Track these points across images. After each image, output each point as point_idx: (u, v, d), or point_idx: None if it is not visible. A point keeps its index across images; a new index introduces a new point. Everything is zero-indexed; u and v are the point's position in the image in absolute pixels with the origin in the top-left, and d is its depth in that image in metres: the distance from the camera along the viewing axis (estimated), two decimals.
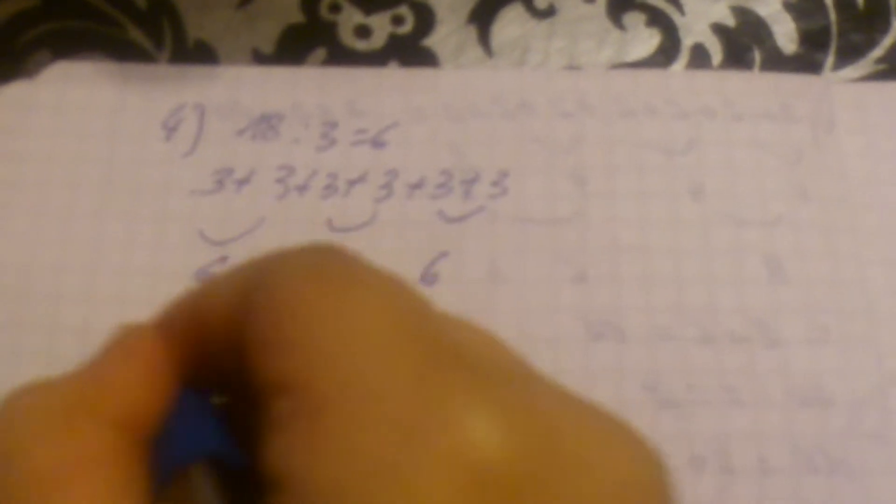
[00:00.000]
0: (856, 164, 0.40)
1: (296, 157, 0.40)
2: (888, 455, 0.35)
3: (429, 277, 0.38)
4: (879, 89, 0.42)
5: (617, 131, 0.40)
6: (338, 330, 0.17)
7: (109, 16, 0.43)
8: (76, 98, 0.41)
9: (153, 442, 0.19)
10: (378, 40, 0.43)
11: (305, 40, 0.43)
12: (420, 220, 0.39)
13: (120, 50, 0.42)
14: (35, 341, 0.37)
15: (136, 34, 0.43)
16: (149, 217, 0.39)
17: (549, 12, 0.44)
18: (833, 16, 0.44)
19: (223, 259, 0.38)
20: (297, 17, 0.43)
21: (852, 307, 0.38)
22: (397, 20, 0.43)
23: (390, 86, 0.41)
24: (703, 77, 0.42)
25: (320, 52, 0.43)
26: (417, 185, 0.39)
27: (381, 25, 0.43)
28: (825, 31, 0.43)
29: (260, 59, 0.42)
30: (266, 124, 0.40)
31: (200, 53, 0.42)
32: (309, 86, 0.41)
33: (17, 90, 0.41)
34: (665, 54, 0.43)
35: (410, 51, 0.43)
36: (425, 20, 0.43)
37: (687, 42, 0.43)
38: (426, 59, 0.42)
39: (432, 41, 0.43)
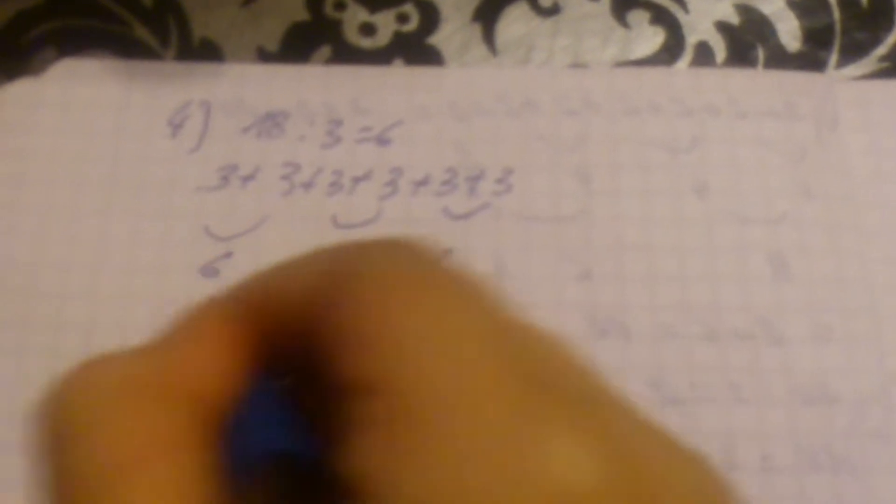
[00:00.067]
0: (859, 161, 0.40)
1: (301, 154, 0.40)
2: (891, 453, 0.35)
3: None
4: (883, 87, 0.42)
5: (621, 129, 0.41)
6: (431, 337, 0.17)
7: (115, 14, 0.43)
8: (82, 95, 0.41)
9: (225, 428, 0.19)
10: (383, 38, 0.43)
11: (310, 38, 0.43)
12: (425, 218, 0.39)
13: (126, 48, 0.42)
14: (40, 338, 0.37)
15: (141, 32, 0.43)
16: (154, 213, 0.39)
17: (553, 10, 0.44)
18: (837, 14, 0.44)
19: (228, 255, 0.38)
20: (302, 14, 0.43)
21: (856, 305, 0.38)
22: (402, 18, 0.43)
23: (395, 84, 0.42)
24: (707, 75, 0.42)
25: (325, 50, 0.43)
26: (422, 183, 0.40)
27: (385, 23, 0.43)
28: (829, 29, 0.44)
29: (265, 56, 0.42)
30: (271, 122, 0.41)
31: (206, 51, 0.42)
32: (314, 84, 0.41)
33: (23, 87, 0.41)
34: (669, 52, 0.43)
35: (415, 49, 0.43)
36: (430, 18, 0.43)
37: (691, 40, 0.43)
38: (431, 56, 0.43)
39: (437, 39, 0.43)
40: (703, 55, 0.43)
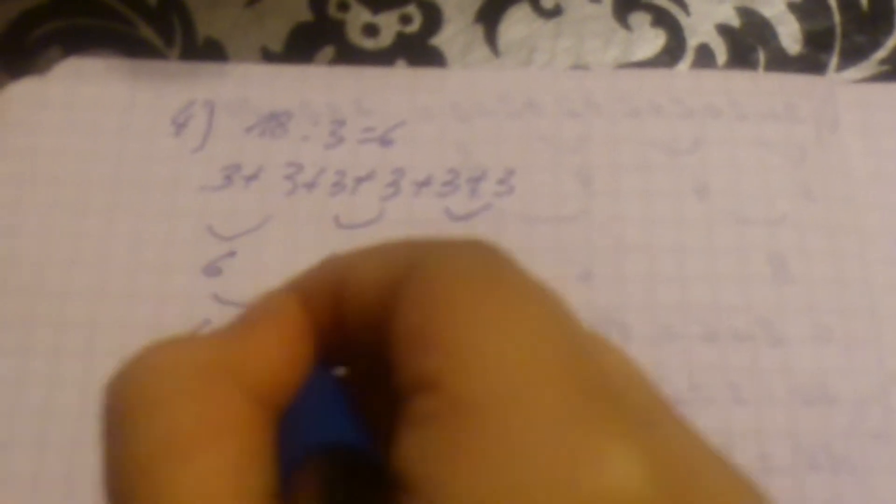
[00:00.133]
0: (859, 163, 0.41)
1: (304, 154, 0.40)
2: (890, 453, 0.36)
3: None
4: (883, 90, 0.43)
5: (622, 130, 0.41)
6: (497, 339, 0.17)
7: (120, 13, 0.43)
8: (87, 94, 0.41)
9: (283, 416, 0.19)
10: (386, 39, 0.43)
11: (314, 38, 0.43)
12: (427, 218, 0.39)
13: (130, 47, 0.43)
14: (44, 336, 0.37)
15: (146, 31, 0.43)
16: (158, 212, 0.39)
17: (555, 12, 0.44)
18: (837, 17, 0.44)
19: (231, 254, 0.38)
20: (305, 15, 0.44)
21: (856, 306, 0.38)
22: (405, 19, 0.44)
23: (398, 85, 0.42)
24: (708, 77, 0.42)
25: (328, 51, 0.43)
26: (424, 184, 0.40)
27: (388, 24, 0.43)
28: (829, 32, 0.44)
29: (269, 56, 0.43)
30: (275, 122, 0.41)
31: (210, 51, 0.43)
32: (317, 84, 0.42)
33: (29, 86, 0.41)
34: (670, 54, 0.43)
35: (418, 50, 0.43)
36: (433, 19, 0.44)
37: (692, 42, 0.43)
38: (433, 57, 0.43)
39: (439, 40, 0.43)
40: (704, 57, 0.43)
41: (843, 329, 0.37)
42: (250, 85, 0.41)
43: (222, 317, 0.38)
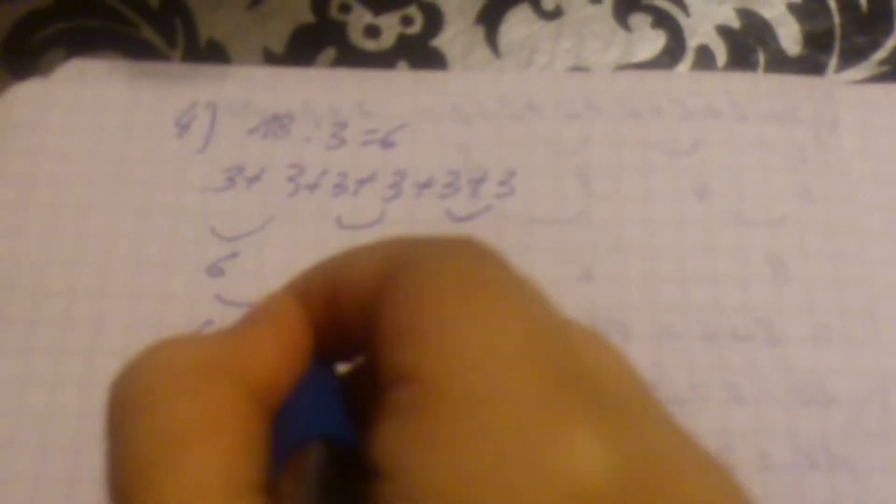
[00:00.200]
0: (858, 164, 0.41)
1: (306, 156, 0.40)
2: (889, 453, 0.36)
3: None
4: (882, 91, 0.43)
5: (623, 132, 0.41)
6: (473, 333, 0.17)
7: (123, 15, 0.43)
8: (90, 96, 0.41)
9: (277, 413, 0.19)
10: (387, 40, 0.43)
11: (315, 40, 0.43)
12: (428, 219, 0.39)
13: (133, 48, 0.43)
14: (47, 336, 0.37)
15: (149, 33, 0.43)
16: (161, 213, 0.39)
17: (556, 13, 0.44)
18: (837, 18, 0.44)
19: (234, 255, 0.39)
20: (307, 17, 0.44)
21: (855, 306, 0.38)
22: (406, 20, 0.44)
23: (399, 87, 0.42)
24: (708, 78, 0.42)
25: (330, 52, 0.43)
26: (426, 185, 0.40)
27: (390, 26, 0.44)
28: (829, 33, 0.44)
29: (270, 58, 0.43)
30: (277, 123, 0.41)
31: (212, 52, 0.43)
32: (320, 86, 0.42)
33: (33, 88, 0.42)
34: (670, 55, 0.43)
35: (419, 51, 0.43)
36: (434, 21, 0.44)
37: (692, 43, 0.44)
38: (434, 59, 0.43)
39: (440, 41, 0.43)
40: (704, 58, 0.43)
41: (843, 329, 0.38)
42: (253, 87, 0.42)
43: (225, 317, 0.38)
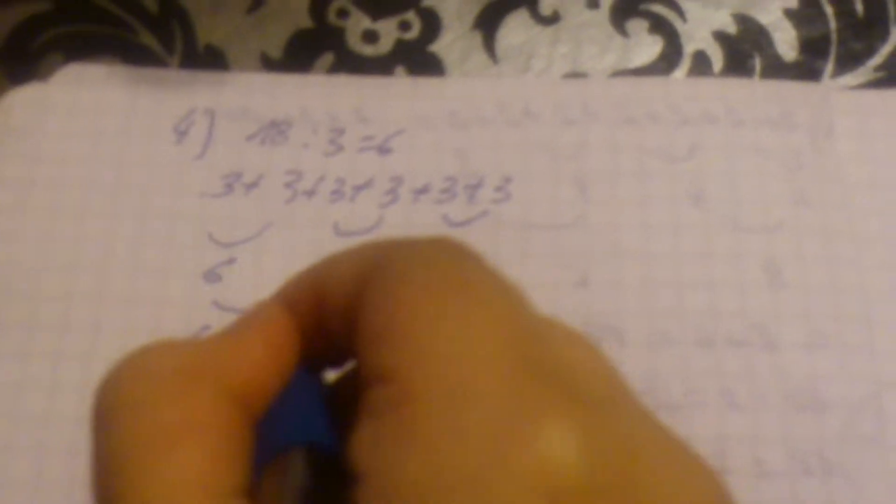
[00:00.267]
0: (854, 170, 0.41)
1: (304, 162, 0.40)
2: (883, 459, 0.36)
3: None
4: (878, 96, 0.43)
5: (619, 138, 0.41)
6: (450, 333, 0.18)
7: (121, 19, 0.44)
8: (88, 101, 0.41)
9: (261, 419, 0.20)
10: (385, 45, 0.43)
11: (314, 45, 0.43)
12: (425, 225, 0.39)
13: (131, 53, 0.43)
14: (45, 340, 0.37)
15: (147, 38, 0.43)
16: (159, 219, 0.39)
17: (553, 18, 0.44)
18: (833, 24, 0.44)
19: (231, 261, 0.39)
20: (305, 22, 0.44)
21: (850, 312, 0.38)
22: (404, 26, 0.44)
23: (397, 93, 0.42)
24: (704, 84, 0.42)
25: (328, 57, 0.43)
26: (422, 191, 0.40)
27: (388, 31, 0.44)
28: (825, 38, 0.44)
29: (268, 63, 0.43)
30: (275, 130, 0.41)
31: (210, 57, 0.43)
32: (318, 93, 0.42)
33: (31, 92, 0.42)
34: (667, 61, 0.43)
35: (417, 56, 0.43)
36: (432, 26, 0.44)
37: (689, 49, 0.44)
38: (432, 64, 0.43)
39: (438, 47, 0.43)
40: (701, 64, 0.43)
41: (838, 335, 0.38)
42: (251, 93, 0.42)
43: (222, 323, 0.38)
